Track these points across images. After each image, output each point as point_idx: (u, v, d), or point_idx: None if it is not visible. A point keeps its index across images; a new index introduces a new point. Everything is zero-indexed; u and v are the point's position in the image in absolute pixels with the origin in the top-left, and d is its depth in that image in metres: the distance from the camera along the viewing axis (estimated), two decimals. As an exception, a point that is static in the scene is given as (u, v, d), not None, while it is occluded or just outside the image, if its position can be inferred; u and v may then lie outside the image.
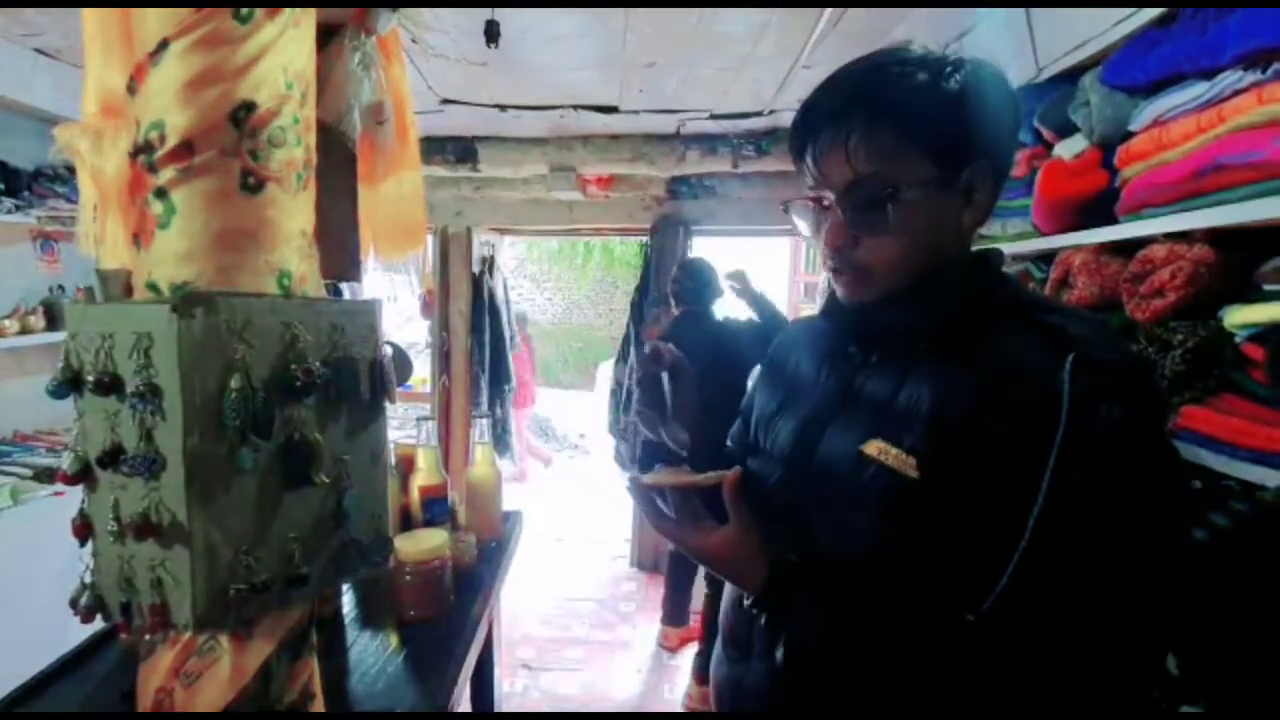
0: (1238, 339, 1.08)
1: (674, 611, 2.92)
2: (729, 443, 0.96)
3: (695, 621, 2.86)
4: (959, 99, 0.64)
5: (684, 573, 2.91)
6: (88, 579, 0.70)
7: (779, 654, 0.67)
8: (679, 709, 2.57)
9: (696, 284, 2.63)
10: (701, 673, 2.59)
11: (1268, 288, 1.06)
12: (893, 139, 0.64)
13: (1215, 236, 1.13)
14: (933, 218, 0.66)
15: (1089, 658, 0.56)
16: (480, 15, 1.73)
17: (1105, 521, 0.56)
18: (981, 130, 0.65)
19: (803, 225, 0.75)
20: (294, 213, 0.69)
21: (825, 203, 0.69)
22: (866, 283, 0.70)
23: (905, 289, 0.69)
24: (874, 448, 0.66)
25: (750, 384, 0.97)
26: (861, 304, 0.72)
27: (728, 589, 0.89)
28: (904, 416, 0.66)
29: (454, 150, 3.25)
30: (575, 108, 2.76)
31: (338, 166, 0.92)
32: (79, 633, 1.01)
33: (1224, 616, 0.98)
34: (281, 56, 0.65)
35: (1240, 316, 1.07)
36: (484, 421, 1.56)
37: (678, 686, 2.67)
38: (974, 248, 0.75)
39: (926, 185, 0.64)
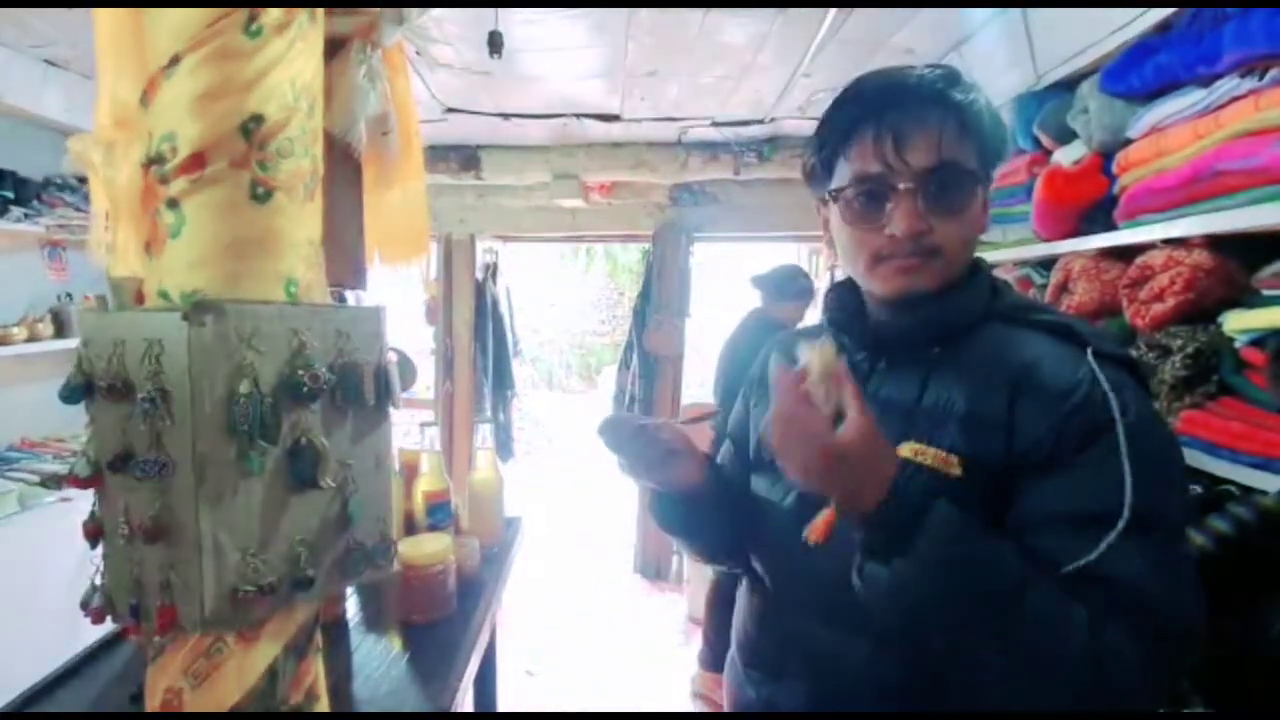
0: (1237, 344, 1.09)
1: (716, 654, 2.63)
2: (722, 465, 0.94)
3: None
4: (996, 115, 0.71)
5: (729, 606, 2.68)
6: (98, 581, 0.71)
7: (886, 581, 0.58)
8: (682, 708, 2.58)
9: (772, 281, 2.61)
10: (709, 661, 2.58)
11: (1267, 293, 1.06)
12: (965, 134, 0.68)
13: (1214, 242, 1.14)
14: (981, 212, 0.71)
15: (1156, 627, 0.57)
16: (484, 26, 1.76)
17: (1168, 502, 0.60)
18: (1006, 141, 0.73)
19: (843, 214, 0.72)
20: (301, 222, 0.70)
21: (897, 185, 0.67)
22: (929, 269, 0.69)
23: (951, 280, 0.71)
24: (909, 450, 0.67)
25: (738, 405, 0.95)
26: (910, 294, 0.70)
27: (745, 604, 0.87)
28: (935, 418, 0.67)
29: (458, 158, 3.28)
30: (578, 116, 2.78)
31: (344, 176, 0.93)
32: (86, 636, 1.03)
33: (1225, 620, 0.98)
34: (290, 70, 0.67)
35: (1240, 321, 1.08)
36: (487, 427, 1.57)
37: (679, 693, 2.67)
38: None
39: (981, 182, 0.70)
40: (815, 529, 0.65)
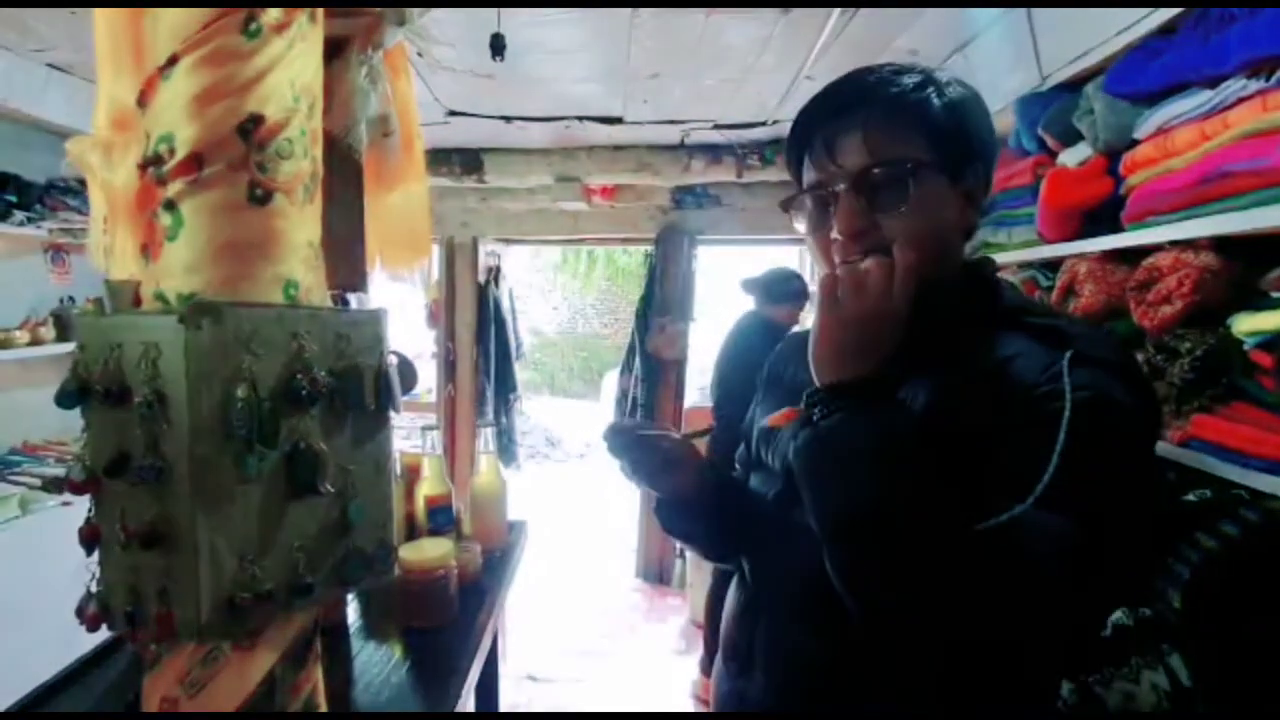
0: (1246, 346, 1.07)
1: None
2: (736, 465, 0.96)
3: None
4: (957, 104, 0.69)
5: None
6: (94, 588, 0.70)
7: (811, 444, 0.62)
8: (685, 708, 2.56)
9: (762, 285, 2.63)
10: (709, 667, 2.58)
11: (1275, 294, 1.05)
12: (902, 127, 0.67)
13: (1222, 243, 1.13)
14: (943, 208, 0.69)
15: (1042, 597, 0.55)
16: (486, 28, 1.75)
17: (1094, 508, 0.55)
18: (976, 130, 0.70)
19: (803, 223, 0.75)
20: (301, 224, 0.69)
21: (836, 190, 0.68)
22: None
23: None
24: None
25: (752, 406, 0.97)
26: None
27: (730, 601, 0.89)
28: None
29: (460, 161, 3.28)
30: (580, 119, 2.78)
31: (344, 178, 0.93)
32: (86, 642, 1.01)
33: (1234, 624, 0.97)
34: (289, 70, 0.66)
35: (1249, 323, 1.06)
36: (489, 430, 1.56)
37: (680, 697, 2.66)
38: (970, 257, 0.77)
39: (936, 169, 0.67)
40: (776, 416, 0.73)
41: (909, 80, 0.68)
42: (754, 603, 0.82)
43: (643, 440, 0.83)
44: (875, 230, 0.67)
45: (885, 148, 0.66)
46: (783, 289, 2.59)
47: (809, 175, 0.72)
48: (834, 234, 0.69)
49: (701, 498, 0.86)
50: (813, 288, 4.17)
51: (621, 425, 0.84)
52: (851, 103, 0.69)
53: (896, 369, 0.64)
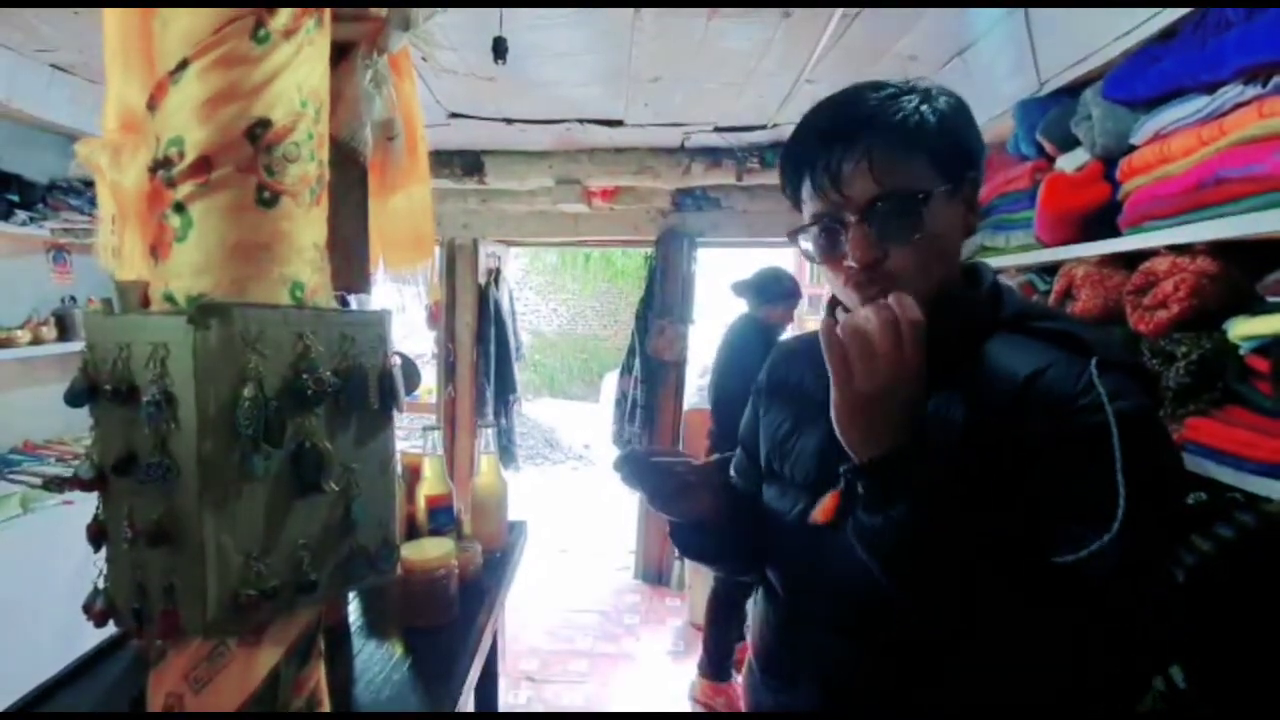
0: (1242, 351, 1.08)
1: (714, 664, 2.62)
2: (733, 474, 0.95)
3: (736, 682, 2.59)
4: (949, 115, 0.69)
5: (728, 616, 2.57)
6: (100, 584, 0.71)
7: (868, 519, 0.63)
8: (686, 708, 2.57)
9: (753, 287, 2.64)
10: (708, 670, 2.59)
11: (1271, 299, 1.06)
12: (904, 152, 0.67)
13: (1218, 248, 1.14)
14: (948, 224, 0.70)
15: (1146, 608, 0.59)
16: (488, 31, 1.76)
17: (1154, 514, 0.59)
18: (968, 138, 0.71)
19: (812, 249, 0.74)
20: (307, 226, 0.70)
21: (845, 219, 0.69)
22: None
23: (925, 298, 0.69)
24: None
25: (748, 413, 0.96)
26: None
27: (760, 613, 0.88)
28: (936, 427, 0.66)
29: (461, 163, 3.28)
30: (581, 121, 2.79)
31: (349, 181, 0.93)
32: (88, 639, 1.02)
33: (1229, 628, 0.97)
34: (297, 75, 0.67)
35: (1244, 328, 1.07)
36: (489, 431, 1.57)
37: (679, 699, 2.66)
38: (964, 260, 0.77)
39: (941, 193, 0.68)
40: (823, 509, 0.71)
41: (907, 103, 0.68)
42: (792, 616, 0.81)
43: (656, 468, 0.81)
44: (885, 258, 0.68)
45: (891, 176, 0.66)
46: (774, 290, 2.60)
47: (813, 204, 0.72)
48: (848, 261, 0.69)
49: (718, 519, 0.85)
50: (808, 290, 4.19)
51: (633, 454, 0.82)
52: (851, 131, 0.68)
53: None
